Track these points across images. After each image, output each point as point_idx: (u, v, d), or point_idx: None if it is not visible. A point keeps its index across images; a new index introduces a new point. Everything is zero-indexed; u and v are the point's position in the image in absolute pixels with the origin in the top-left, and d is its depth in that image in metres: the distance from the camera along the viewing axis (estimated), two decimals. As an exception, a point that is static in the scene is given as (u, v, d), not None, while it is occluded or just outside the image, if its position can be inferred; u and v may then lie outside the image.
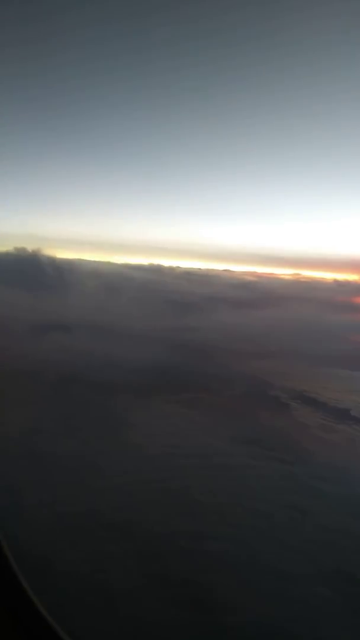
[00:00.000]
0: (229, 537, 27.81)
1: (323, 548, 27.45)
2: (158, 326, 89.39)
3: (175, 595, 23.05)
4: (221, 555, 26.12)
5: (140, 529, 28.11)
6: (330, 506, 32.34)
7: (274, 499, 32.84)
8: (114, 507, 30.18)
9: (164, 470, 35.82)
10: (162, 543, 26.87)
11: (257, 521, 29.85)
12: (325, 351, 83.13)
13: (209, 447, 40.95)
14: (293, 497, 33.26)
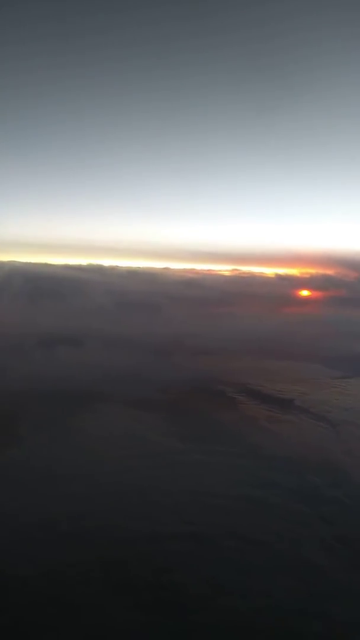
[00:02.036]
0: (189, 536, 27.71)
1: (282, 538, 27.94)
2: (107, 328, 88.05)
3: (140, 599, 22.69)
4: (182, 555, 25.98)
5: (98, 535, 27.50)
6: (283, 496, 32.97)
7: (228, 493, 33.09)
8: (69, 516, 29.35)
9: (117, 474, 35.24)
10: (122, 548, 26.38)
11: (214, 517, 29.94)
12: (269, 344, 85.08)
13: (160, 446, 40.75)
14: (247, 490, 33.62)
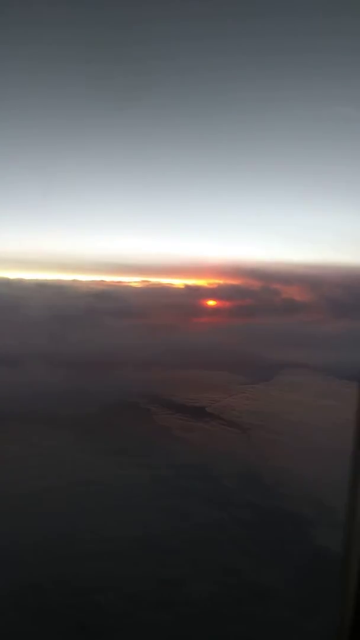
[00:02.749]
0: (107, 554, 27.13)
1: (201, 545, 28.22)
2: (16, 343, 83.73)
3: (61, 625, 21.80)
4: (102, 573, 25.36)
5: (12, 561, 26.09)
6: (200, 503, 33.39)
7: (147, 505, 32.92)
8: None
9: (32, 495, 33.70)
10: (39, 574, 25.21)
11: (132, 531, 29.57)
12: (179, 354, 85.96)
13: (74, 464, 39.67)
14: (164, 500, 33.65)
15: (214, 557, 27.08)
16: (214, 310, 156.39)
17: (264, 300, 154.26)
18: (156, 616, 22.55)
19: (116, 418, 52.09)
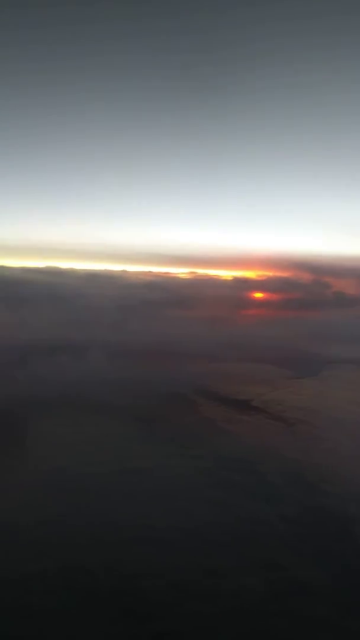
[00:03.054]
0: (153, 540, 27.76)
1: (244, 539, 28.43)
2: (71, 333, 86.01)
3: (106, 608, 22.59)
4: (147, 560, 26.02)
5: (62, 541, 27.18)
6: (244, 496, 33.58)
7: (192, 495, 33.40)
8: (31, 523, 28.86)
9: (79, 480, 34.89)
10: (86, 556, 26.16)
11: (176, 520, 30.12)
12: (226, 346, 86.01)
13: (121, 451, 40.63)
14: (207, 492, 34.03)
15: (258, 551, 27.23)
16: (263, 303, 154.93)
17: (314, 294, 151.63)
18: (200, 606, 22.93)
19: (163, 408, 52.81)
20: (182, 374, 67.46)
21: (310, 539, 28.59)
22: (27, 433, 43.91)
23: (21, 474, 35.66)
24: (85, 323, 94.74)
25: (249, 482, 35.75)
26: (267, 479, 36.41)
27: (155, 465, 38.05)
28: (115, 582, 24.23)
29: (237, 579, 24.81)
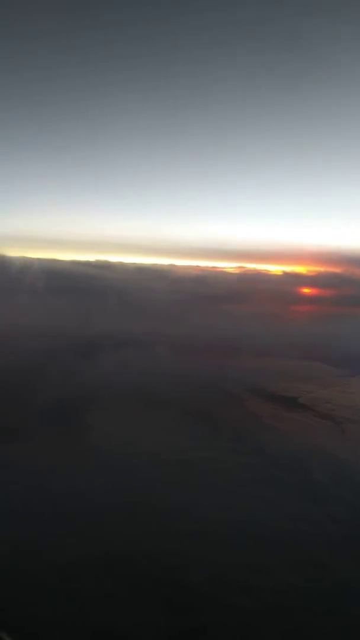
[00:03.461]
0: (197, 534, 27.63)
1: (289, 537, 27.94)
2: (122, 325, 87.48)
3: (148, 597, 22.73)
4: (191, 552, 25.96)
5: (106, 531, 27.54)
6: (290, 494, 33.01)
7: (235, 490, 33.13)
8: (76, 512, 29.42)
9: (124, 472, 35.23)
10: (130, 545, 26.39)
11: (221, 514, 29.94)
12: (274, 342, 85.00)
13: (167, 444, 40.77)
14: (253, 488, 33.63)
15: (302, 550, 26.67)
16: (313, 299, 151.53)
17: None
18: (242, 601, 22.70)
19: (211, 402, 52.62)
20: (230, 369, 67.09)
21: (357, 540, 27.76)
22: (85, 423, 44.73)
23: (73, 462, 36.32)
24: (140, 317, 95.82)
25: (295, 480, 35.08)
26: (313, 478, 35.64)
27: (201, 459, 37.95)
28: (158, 572, 24.27)
29: (280, 577, 24.38)
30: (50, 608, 21.83)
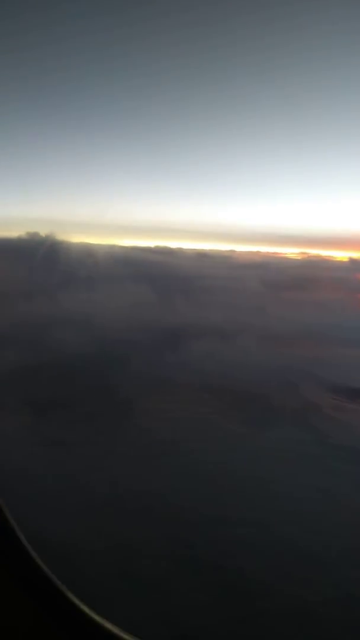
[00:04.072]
0: (255, 522, 27.57)
1: (349, 529, 27.28)
2: (203, 317, 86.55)
3: (205, 580, 22.88)
4: (248, 540, 25.91)
5: (166, 515, 27.87)
6: (352, 487, 32.16)
7: (296, 482, 32.69)
8: (134, 494, 29.90)
9: (185, 457, 35.48)
10: (189, 528, 26.65)
11: (280, 504, 29.62)
12: (339, 331, 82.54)
13: (226, 431, 40.66)
14: (313, 479, 33.06)
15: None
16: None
17: None
18: (301, 592, 22.45)
19: (267, 390, 51.92)
20: (291, 358, 65.85)
21: None
22: (141, 410, 44.86)
23: (132, 446, 36.88)
24: (194, 303, 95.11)
25: (357, 472, 34.11)
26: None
27: (259, 448, 37.65)
28: (215, 558, 24.43)
29: (340, 570, 23.90)
30: (108, 587, 22.25)
